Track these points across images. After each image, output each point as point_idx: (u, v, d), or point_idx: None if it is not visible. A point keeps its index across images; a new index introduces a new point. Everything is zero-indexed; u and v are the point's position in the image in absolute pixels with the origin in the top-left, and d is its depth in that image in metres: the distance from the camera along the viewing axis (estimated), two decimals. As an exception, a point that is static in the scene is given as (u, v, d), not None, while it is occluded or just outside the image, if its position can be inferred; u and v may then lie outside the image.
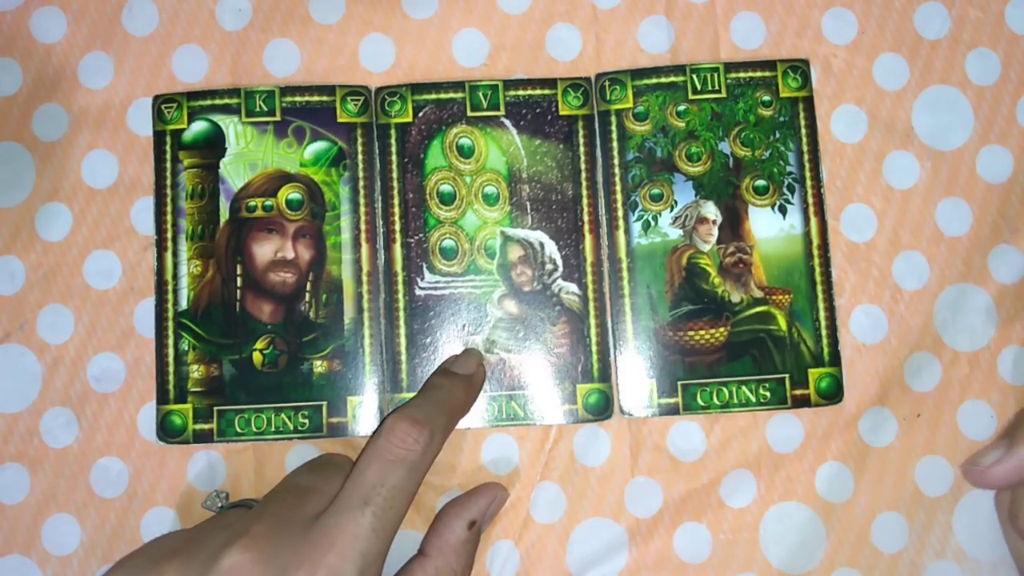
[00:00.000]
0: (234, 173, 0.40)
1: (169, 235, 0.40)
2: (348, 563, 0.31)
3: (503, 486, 0.38)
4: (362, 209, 0.40)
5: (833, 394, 0.39)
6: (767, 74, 0.41)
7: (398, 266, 0.40)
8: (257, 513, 0.33)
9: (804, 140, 0.41)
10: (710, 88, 0.41)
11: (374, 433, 0.34)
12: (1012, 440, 0.36)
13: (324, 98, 0.41)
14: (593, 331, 0.39)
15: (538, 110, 0.41)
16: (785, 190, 0.40)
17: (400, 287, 0.40)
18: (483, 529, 0.37)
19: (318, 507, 0.33)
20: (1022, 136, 0.41)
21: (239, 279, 0.40)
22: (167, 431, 0.39)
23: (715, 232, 0.40)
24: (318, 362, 0.39)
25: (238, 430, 0.39)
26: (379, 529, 0.32)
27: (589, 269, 0.40)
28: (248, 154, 0.40)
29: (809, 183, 0.40)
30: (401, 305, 0.40)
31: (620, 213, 0.40)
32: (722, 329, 0.40)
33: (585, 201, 0.40)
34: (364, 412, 0.39)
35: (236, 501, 0.37)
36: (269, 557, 0.31)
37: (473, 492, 0.37)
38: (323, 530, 0.31)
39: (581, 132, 0.41)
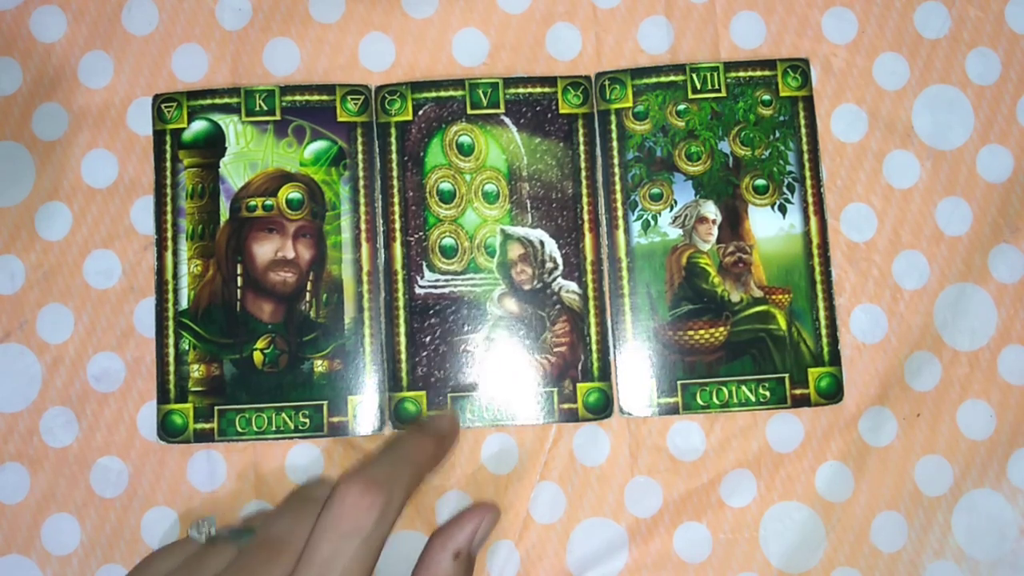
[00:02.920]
0: (234, 172, 0.40)
1: (169, 234, 0.40)
2: None
3: (493, 505, 0.36)
4: (362, 208, 0.40)
5: (833, 394, 0.39)
6: (767, 73, 0.41)
7: (398, 265, 0.40)
8: (231, 573, 0.32)
9: (804, 139, 0.41)
10: (710, 87, 0.41)
11: (328, 498, 0.32)
12: None
13: (324, 97, 0.41)
14: (593, 330, 0.39)
15: (538, 108, 0.41)
16: (785, 189, 0.40)
17: (400, 286, 0.40)
18: (475, 553, 0.36)
19: (286, 569, 0.31)
20: (1022, 135, 0.41)
21: (239, 279, 0.40)
22: (168, 431, 0.39)
23: (715, 231, 0.40)
24: (319, 361, 0.39)
25: (239, 430, 0.39)
26: None
27: (589, 268, 0.40)
28: (248, 153, 0.40)
29: (809, 182, 0.40)
30: (401, 304, 0.40)
31: (620, 212, 0.40)
32: (722, 328, 0.40)
33: (585, 200, 0.40)
34: (365, 411, 0.39)
35: (222, 529, 0.36)
36: None
37: (458, 519, 0.36)
38: None
39: (581, 131, 0.41)
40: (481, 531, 0.36)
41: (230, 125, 0.41)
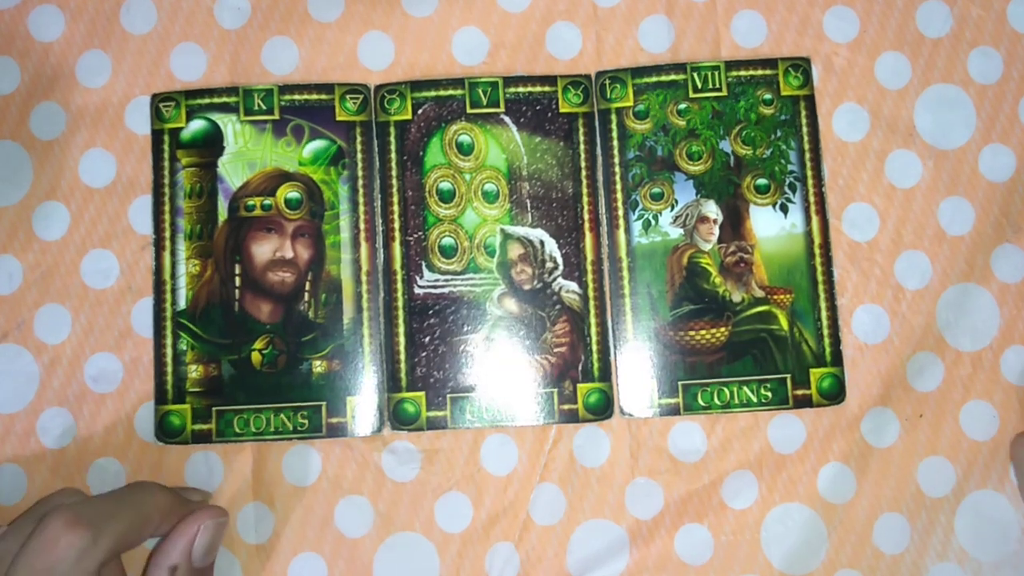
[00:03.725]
0: (232, 172, 0.40)
1: (167, 234, 0.40)
2: None
3: (216, 509, 0.35)
4: (361, 208, 0.40)
5: (835, 394, 0.39)
6: (768, 72, 0.41)
7: (397, 264, 0.40)
8: None
9: (805, 139, 0.40)
10: (711, 86, 0.41)
11: (36, 526, 0.31)
12: None
13: (323, 96, 0.41)
14: (593, 330, 0.39)
15: (538, 107, 0.41)
16: (786, 189, 0.40)
17: (399, 286, 0.39)
18: (201, 563, 0.34)
19: None
20: (1024, 135, 0.41)
21: (238, 279, 0.40)
22: (166, 431, 0.39)
23: (716, 231, 0.40)
24: (317, 362, 0.39)
25: (237, 430, 0.39)
26: None
27: (589, 268, 0.40)
28: (247, 153, 0.40)
29: (811, 182, 0.40)
30: (400, 304, 0.39)
31: (620, 212, 0.40)
32: (723, 329, 0.39)
33: (585, 199, 0.40)
34: (364, 412, 0.39)
35: None
36: None
37: (171, 534, 0.34)
38: None
39: (581, 130, 0.40)
40: (202, 540, 0.34)
41: (228, 124, 0.40)
